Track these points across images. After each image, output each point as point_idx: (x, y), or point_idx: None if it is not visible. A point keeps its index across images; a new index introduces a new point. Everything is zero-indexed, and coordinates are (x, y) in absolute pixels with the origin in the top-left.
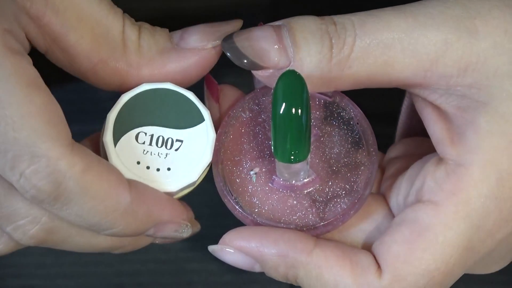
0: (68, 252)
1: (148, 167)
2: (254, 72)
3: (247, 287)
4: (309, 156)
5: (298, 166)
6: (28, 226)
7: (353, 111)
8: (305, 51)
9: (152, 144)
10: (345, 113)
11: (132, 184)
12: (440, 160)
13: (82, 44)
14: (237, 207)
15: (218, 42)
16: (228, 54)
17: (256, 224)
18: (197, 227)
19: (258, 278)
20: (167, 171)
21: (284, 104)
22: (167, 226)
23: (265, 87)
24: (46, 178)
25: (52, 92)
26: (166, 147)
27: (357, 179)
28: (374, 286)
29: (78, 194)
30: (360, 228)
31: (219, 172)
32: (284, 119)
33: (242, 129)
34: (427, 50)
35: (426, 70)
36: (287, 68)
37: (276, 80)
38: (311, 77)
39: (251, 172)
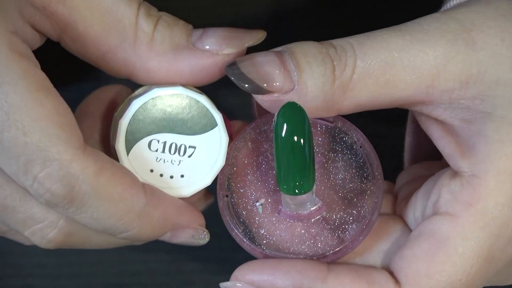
0: (68, 252)
1: (161, 175)
2: (258, 99)
3: None
4: (314, 186)
5: (303, 197)
6: (45, 230)
7: (356, 135)
8: (308, 74)
9: (165, 152)
10: (347, 137)
11: (146, 188)
12: (454, 172)
13: (91, 32)
14: (245, 240)
15: (234, 50)
16: (232, 78)
17: (265, 255)
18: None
19: None
20: (180, 178)
21: (286, 136)
22: (184, 232)
23: (266, 116)
24: (59, 181)
25: None
26: (179, 154)
27: (364, 204)
28: None
29: (92, 196)
30: (379, 249)
31: (225, 205)
32: (286, 152)
33: (245, 160)
34: (428, 66)
35: (427, 86)
36: (288, 98)
37: (279, 106)
38: (315, 101)
39: (257, 204)
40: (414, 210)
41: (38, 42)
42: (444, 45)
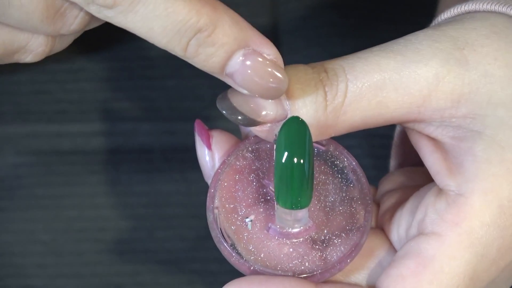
0: (68, 252)
1: None
2: (252, 128)
3: None
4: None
5: (301, 213)
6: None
7: (347, 160)
8: (300, 101)
9: None
10: (339, 161)
11: None
12: (440, 190)
13: None
14: (233, 254)
15: None
16: (224, 112)
17: (253, 271)
18: None
19: None
20: None
21: (287, 151)
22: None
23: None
24: None
25: (52, 92)
26: None
27: (353, 227)
28: None
29: None
30: (363, 267)
31: (214, 219)
32: (287, 166)
33: (236, 177)
34: (419, 87)
35: (419, 106)
36: (289, 116)
37: (273, 135)
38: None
39: (247, 220)
40: (398, 227)
41: None
42: (436, 65)
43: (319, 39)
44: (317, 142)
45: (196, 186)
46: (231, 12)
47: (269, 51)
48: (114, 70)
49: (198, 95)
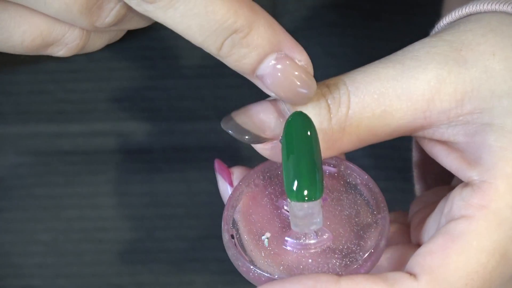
0: (68, 252)
1: None
2: (257, 148)
3: (248, 287)
4: (321, 200)
5: (312, 209)
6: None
7: (359, 177)
8: None
9: None
10: (351, 179)
11: None
12: (465, 184)
13: None
14: (251, 267)
15: None
16: (229, 132)
17: (273, 280)
18: None
19: None
20: None
21: (294, 145)
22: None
23: (268, 163)
24: None
25: (52, 92)
26: None
27: (371, 235)
28: None
29: None
30: None
31: (230, 239)
32: (295, 160)
33: (250, 202)
34: (421, 92)
35: (424, 110)
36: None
37: (277, 154)
38: None
39: (263, 237)
40: (429, 231)
41: None
42: (435, 68)
43: (320, 39)
44: (327, 164)
45: (196, 186)
46: (266, 15)
47: (301, 57)
48: (114, 70)
49: (198, 95)
